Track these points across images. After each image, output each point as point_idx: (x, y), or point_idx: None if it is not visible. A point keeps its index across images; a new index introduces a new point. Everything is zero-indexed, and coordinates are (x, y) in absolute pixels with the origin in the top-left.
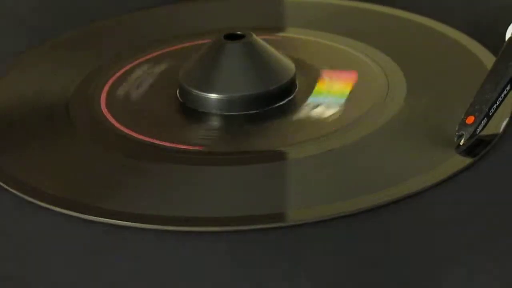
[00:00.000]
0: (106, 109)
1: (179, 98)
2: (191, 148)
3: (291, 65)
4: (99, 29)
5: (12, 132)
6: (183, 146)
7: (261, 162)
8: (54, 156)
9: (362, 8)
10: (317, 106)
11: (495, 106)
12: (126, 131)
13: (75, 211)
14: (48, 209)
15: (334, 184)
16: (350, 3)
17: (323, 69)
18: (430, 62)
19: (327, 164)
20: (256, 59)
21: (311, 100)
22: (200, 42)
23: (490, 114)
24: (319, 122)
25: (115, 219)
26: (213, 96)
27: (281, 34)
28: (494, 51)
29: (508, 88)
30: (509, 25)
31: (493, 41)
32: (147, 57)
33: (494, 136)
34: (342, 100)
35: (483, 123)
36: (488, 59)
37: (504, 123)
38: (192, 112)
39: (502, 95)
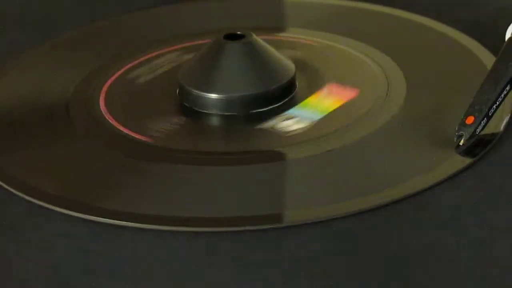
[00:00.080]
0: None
1: (179, 98)
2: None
3: (291, 65)
4: (99, 29)
5: (12, 132)
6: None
7: (261, 162)
8: (54, 156)
9: (362, 8)
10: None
11: (495, 106)
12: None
13: (75, 211)
14: (48, 209)
15: (334, 184)
16: (350, 3)
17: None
18: (430, 62)
19: (327, 164)
20: (256, 59)
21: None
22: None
23: (490, 114)
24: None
25: (115, 219)
26: (213, 96)
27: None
28: (494, 51)
29: (508, 88)
30: (509, 25)
31: (493, 41)
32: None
33: (494, 136)
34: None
35: (483, 123)
36: (488, 59)
37: (504, 123)
38: (192, 112)
39: (502, 95)
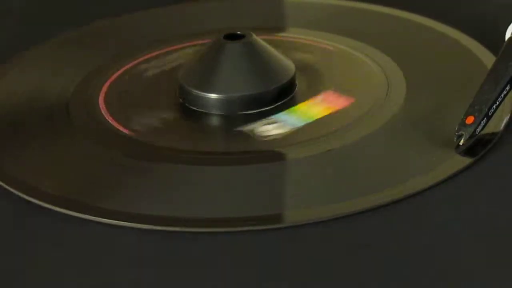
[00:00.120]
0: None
1: (179, 98)
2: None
3: (291, 65)
4: (99, 29)
5: (12, 132)
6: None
7: (261, 162)
8: (54, 156)
9: (362, 8)
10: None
11: (494, 106)
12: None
13: (75, 211)
14: (48, 209)
15: (334, 184)
16: (350, 3)
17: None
18: (430, 62)
19: (327, 164)
20: (256, 59)
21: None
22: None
23: (489, 114)
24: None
25: (114, 219)
26: (213, 96)
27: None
28: (494, 51)
29: (508, 88)
30: (509, 25)
31: (493, 41)
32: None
33: (494, 136)
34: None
35: (482, 123)
36: (488, 59)
37: (504, 123)
38: (192, 112)
39: (502, 95)
